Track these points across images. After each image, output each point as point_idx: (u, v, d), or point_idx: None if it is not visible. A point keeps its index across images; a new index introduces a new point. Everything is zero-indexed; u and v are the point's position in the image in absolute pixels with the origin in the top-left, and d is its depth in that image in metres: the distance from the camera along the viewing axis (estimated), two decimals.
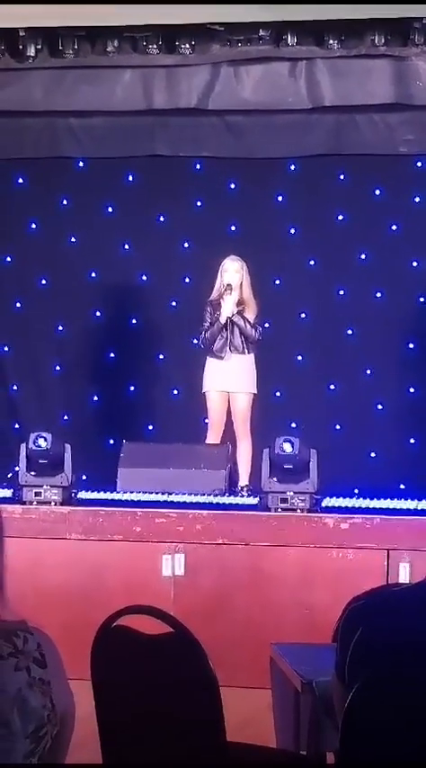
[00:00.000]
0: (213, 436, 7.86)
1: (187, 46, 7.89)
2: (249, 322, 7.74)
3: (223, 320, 7.73)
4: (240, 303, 7.78)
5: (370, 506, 6.81)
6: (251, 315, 7.78)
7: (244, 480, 7.62)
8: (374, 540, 6.37)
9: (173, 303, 9.22)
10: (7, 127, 8.48)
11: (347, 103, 8.13)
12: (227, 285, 7.74)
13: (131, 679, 3.32)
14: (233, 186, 9.11)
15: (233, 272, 7.80)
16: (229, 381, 7.84)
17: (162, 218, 9.19)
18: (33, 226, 9.31)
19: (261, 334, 7.80)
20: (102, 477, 7.54)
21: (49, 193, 9.23)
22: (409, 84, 7.89)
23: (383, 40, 7.71)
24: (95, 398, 9.29)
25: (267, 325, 8.21)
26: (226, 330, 7.75)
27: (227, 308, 7.73)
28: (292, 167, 8.97)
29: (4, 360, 9.33)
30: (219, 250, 8.62)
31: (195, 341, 8.09)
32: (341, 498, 6.98)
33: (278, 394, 8.10)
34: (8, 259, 9.37)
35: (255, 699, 5.52)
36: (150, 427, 9.12)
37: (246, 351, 7.78)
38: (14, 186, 9.31)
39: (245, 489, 7.45)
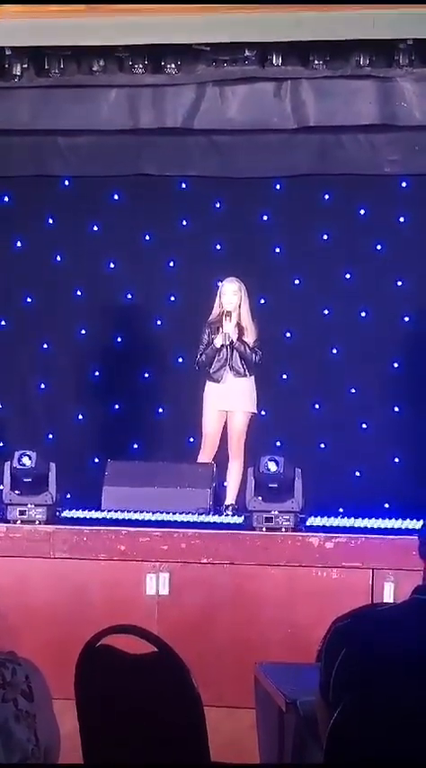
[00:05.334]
0: (206, 455, 7.80)
1: (173, 66, 7.90)
2: (249, 347, 7.72)
3: (218, 344, 7.71)
4: (238, 326, 7.76)
5: (355, 525, 6.80)
6: (250, 338, 7.75)
7: (230, 499, 7.60)
8: (358, 559, 6.36)
9: (159, 322, 9.23)
10: None
11: (332, 123, 8.15)
12: (227, 312, 7.72)
13: (115, 699, 3.31)
14: (218, 205, 9.13)
15: (230, 293, 7.77)
16: (228, 401, 7.81)
17: (147, 237, 9.20)
18: (19, 244, 9.31)
19: (261, 358, 7.78)
20: (86, 496, 7.52)
21: (35, 212, 9.22)
22: (394, 105, 7.92)
23: (368, 61, 7.73)
24: (80, 417, 9.28)
25: None
26: (227, 353, 7.73)
27: (227, 334, 7.69)
28: (277, 187, 8.99)
29: None
30: (205, 269, 8.65)
31: (180, 359, 8.03)
32: (325, 517, 6.98)
33: (263, 413, 8.11)
34: None
35: (239, 718, 5.52)
36: (135, 446, 9.11)
37: (247, 373, 7.78)
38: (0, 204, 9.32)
39: (230, 508, 7.43)
